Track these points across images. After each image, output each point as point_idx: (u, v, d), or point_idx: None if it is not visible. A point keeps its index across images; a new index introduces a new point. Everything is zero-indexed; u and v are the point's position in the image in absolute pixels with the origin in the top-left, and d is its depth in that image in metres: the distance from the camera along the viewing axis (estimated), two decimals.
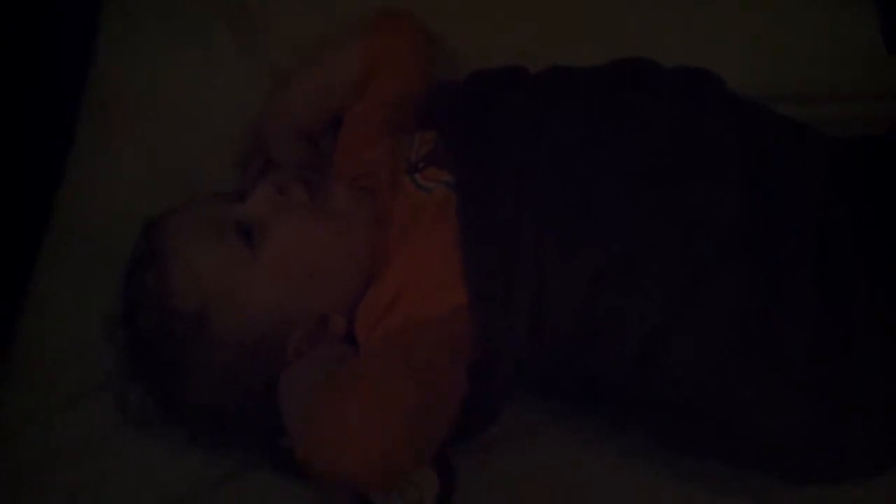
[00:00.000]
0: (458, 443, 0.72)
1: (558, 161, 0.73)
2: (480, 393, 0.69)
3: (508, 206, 0.71)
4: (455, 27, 0.91)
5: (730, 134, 0.74)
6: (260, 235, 0.73)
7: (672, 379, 0.69)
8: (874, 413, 0.70)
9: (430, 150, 0.77)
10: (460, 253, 0.70)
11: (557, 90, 0.78)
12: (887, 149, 0.78)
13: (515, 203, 0.71)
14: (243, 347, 0.73)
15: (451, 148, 0.76)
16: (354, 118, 0.84)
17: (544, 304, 0.69)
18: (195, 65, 0.93)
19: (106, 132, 0.92)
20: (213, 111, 0.92)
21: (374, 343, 0.72)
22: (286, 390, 0.72)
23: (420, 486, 0.70)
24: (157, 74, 0.93)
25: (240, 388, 0.73)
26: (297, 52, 0.91)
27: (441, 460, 0.72)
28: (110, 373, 0.81)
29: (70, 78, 0.94)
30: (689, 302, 0.69)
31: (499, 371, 0.71)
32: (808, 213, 0.71)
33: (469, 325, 0.69)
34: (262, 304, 0.73)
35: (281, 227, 0.74)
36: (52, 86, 0.97)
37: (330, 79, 0.85)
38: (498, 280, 0.69)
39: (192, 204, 0.78)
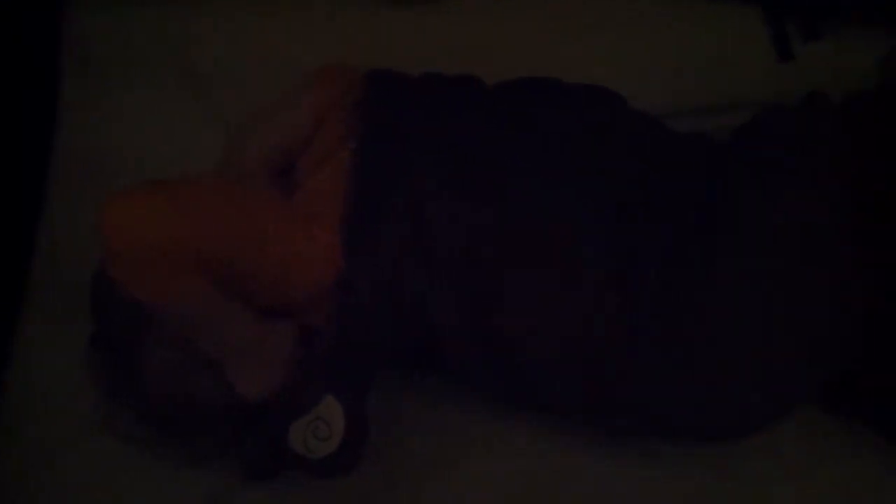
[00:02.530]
0: (342, 389, 0.81)
1: (457, 138, 0.84)
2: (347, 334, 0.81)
3: (395, 156, 0.83)
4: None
5: (618, 147, 0.85)
6: None
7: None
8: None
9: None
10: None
11: (468, 93, 0.89)
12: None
13: (400, 159, 0.83)
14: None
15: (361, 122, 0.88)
16: (307, 159, 0.92)
17: (414, 232, 0.80)
18: (152, 115, 1.01)
19: (76, 185, 0.99)
20: (171, 157, 0.99)
21: None
22: None
23: (329, 422, 0.80)
24: (119, 127, 1.01)
25: (192, 373, 0.81)
26: (243, 100, 0.99)
27: (352, 401, 0.81)
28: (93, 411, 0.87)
29: (37, 135, 1.02)
30: (554, 296, 0.79)
31: (361, 299, 0.80)
32: (671, 224, 0.82)
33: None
34: None
35: None
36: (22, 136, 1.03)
37: (281, 133, 0.93)
38: (372, 210, 0.81)
39: None
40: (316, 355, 0.82)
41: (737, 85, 1.00)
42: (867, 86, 0.95)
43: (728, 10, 1.01)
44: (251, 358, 0.81)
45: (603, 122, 0.87)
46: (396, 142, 0.84)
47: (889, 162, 0.83)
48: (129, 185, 0.76)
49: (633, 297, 0.80)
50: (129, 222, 0.73)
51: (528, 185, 0.82)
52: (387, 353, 0.86)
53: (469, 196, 0.81)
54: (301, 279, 0.81)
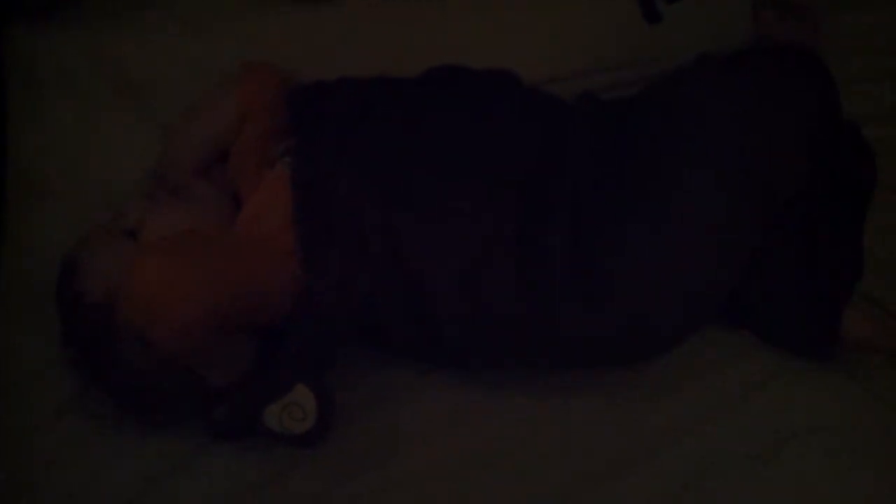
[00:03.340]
0: (309, 377, 0.91)
1: (378, 143, 0.94)
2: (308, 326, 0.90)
3: (330, 168, 0.92)
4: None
5: (517, 127, 0.95)
6: (139, 230, 0.93)
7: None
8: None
9: (287, 149, 0.98)
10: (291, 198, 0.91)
11: (382, 92, 0.99)
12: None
13: (337, 166, 0.92)
14: None
15: (295, 135, 0.97)
16: (236, 153, 1.02)
17: (359, 242, 0.90)
18: (90, 126, 1.09)
19: (32, 200, 1.08)
20: (115, 165, 1.08)
21: None
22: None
23: (302, 406, 0.90)
24: (65, 144, 1.09)
25: (162, 372, 0.89)
26: (176, 106, 1.07)
27: (319, 386, 0.91)
28: (68, 399, 0.97)
29: None
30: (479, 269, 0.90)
31: (317, 293, 0.90)
32: (569, 178, 0.92)
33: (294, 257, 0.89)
34: None
35: (152, 218, 0.94)
36: None
37: (210, 130, 1.02)
38: (320, 221, 0.90)
39: (91, 231, 0.97)
40: (284, 350, 0.92)
41: (611, 48, 1.12)
42: (726, 43, 1.06)
43: None
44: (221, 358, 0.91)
45: (502, 107, 0.97)
46: (327, 156, 0.94)
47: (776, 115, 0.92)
48: (155, 245, 0.86)
49: (544, 234, 0.89)
50: (157, 287, 0.81)
51: (438, 187, 0.92)
52: (342, 339, 0.96)
53: (392, 202, 0.91)
54: (276, 297, 0.91)
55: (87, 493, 0.93)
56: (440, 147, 0.94)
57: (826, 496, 0.91)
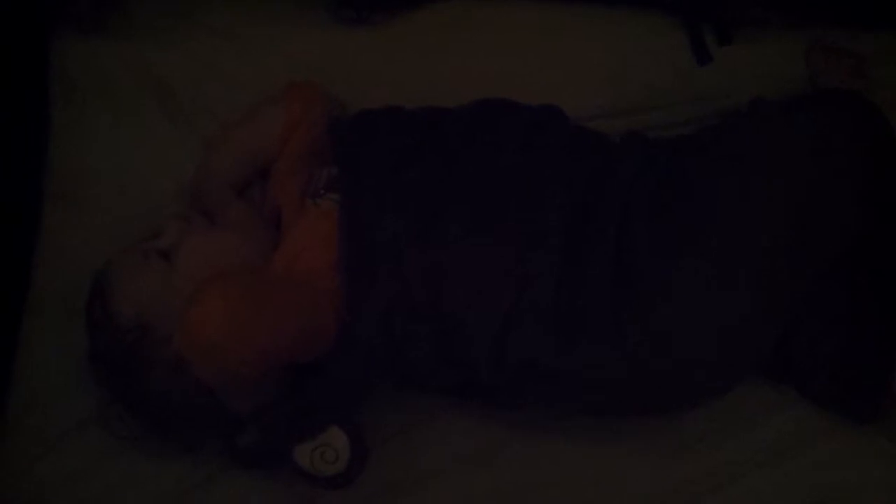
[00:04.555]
0: (346, 421, 0.90)
1: (421, 183, 0.92)
2: (344, 363, 0.88)
3: (375, 212, 0.90)
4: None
5: (563, 166, 0.93)
6: (174, 253, 0.92)
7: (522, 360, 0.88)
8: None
9: (330, 181, 0.96)
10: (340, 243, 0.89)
11: (426, 127, 0.97)
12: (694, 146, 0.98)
13: (382, 210, 0.90)
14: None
15: (341, 176, 0.95)
16: (278, 172, 1.01)
17: (401, 286, 0.88)
18: (132, 138, 1.09)
19: (68, 207, 1.06)
20: (152, 177, 1.07)
21: None
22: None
23: (335, 448, 0.88)
24: (105, 156, 1.08)
25: (187, 378, 0.87)
26: (217, 121, 1.08)
27: (353, 428, 0.90)
28: (91, 412, 0.97)
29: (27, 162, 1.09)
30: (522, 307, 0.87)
31: (359, 336, 0.88)
32: (613, 218, 0.90)
33: (340, 296, 0.88)
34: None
35: (188, 242, 0.93)
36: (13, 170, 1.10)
37: (253, 145, 1.01)
38: (364, 264, 0.88)
39: (124, 250, 0.95)
40: (319, 388, 0.91)
41: (661, 87, 1.10)
42: (781, 84, 1.05)
43: (644, 16, 1.11)
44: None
45: (548, 147, 0.95)
46: (372, 198, 0.92)
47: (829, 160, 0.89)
48: (216, 282, 0.82)
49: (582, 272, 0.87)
50: (218, 328, 0.79)
51: (480, 232, 0.89)
52: (377, 379, 0.94)
53: (433, 247, 0.89)
54: (321, 336, 0.89)
55: None
56: (483, 189, 0.92)
57: None
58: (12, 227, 1.07)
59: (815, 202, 0.88)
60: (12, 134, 1.08)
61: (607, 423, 0.98)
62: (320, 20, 1.12)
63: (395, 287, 0.88)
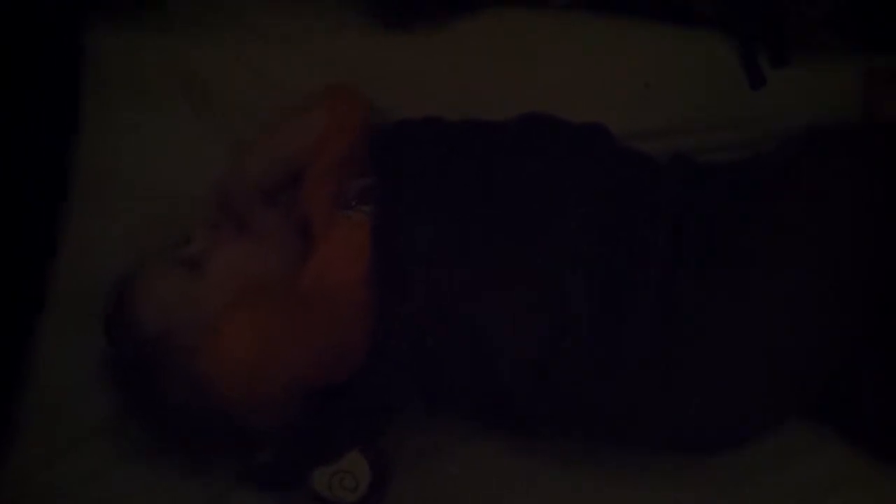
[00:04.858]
0: (369, 448, 0.87)
1: (458, 196, 0.89)
2: (375, 383, 0.85)
3: (410, 223, 0.87)
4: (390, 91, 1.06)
5: (608, 188, 0.89)
6: (202, 262, 0.89)
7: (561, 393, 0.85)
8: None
9: (363, 192, 0.94)
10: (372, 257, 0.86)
11: (467, 140, 0.94)
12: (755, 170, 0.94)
13: (417, 223, 0.87)
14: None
15: (377, 186, 0.93)
16: (311, 178, 0.97)
17: (434, 301, 0.85)
18: (167, 142, 1.07)
19: (93, 203, 1.05)
20: (181, 177, 1.05)
21: None
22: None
23: (356, 475, 0.86)
24: (134, 153, 1.06)
25: (208, 391, 0.84)
26: (252, 123, 1.05)
27: (375, 455, 0.87)
28: (107, 417, 0.95)
29: (55, 156, 1.07)
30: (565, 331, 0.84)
31: (388, 352, 0.85)
32: (658, 247, 0.86)
33: (371, 312, 0.85)
34: (212, 312, 0.84)
35: (217, 250, 0.90)
36: (41, 161, 1.08)
37: (288, 148, 0.98)
38: (397, 276, 0.85)
39: (148, 255, 0.93)
40: (343, 410, 0.88)
41: (711, 109, 1.06)
42: (835, 108, 1.02)
43: (694, 35, 1.07)
44: None
45: (591, 167, 0.92)
46: (409, 213, 0.89)
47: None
48: (247, 304, 0.81)
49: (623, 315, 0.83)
50: (249, 353, 0.78)
51: (519, 257, 0.86)
52: (405, 401, 0.91)
53: (470, 268, 0.86)
54: (351, 355, 0.86)
55: None
56: (523, 208, 0.89)
57: None
58: (33, 224, 1.05)
59: (876, 242, 0.85)
60: (40, 127, 1.07)
61: (640, 458, 0.94)
62: (362, 23, 1.09)
63: (429, 302, 0.85)
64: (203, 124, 1.07)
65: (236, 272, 0.89)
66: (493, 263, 0.86)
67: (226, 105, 1.07)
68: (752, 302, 0.84)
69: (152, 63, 1.09)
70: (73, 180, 1.05)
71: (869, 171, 0.87)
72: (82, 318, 0.97)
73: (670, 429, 0.85)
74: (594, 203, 0.89)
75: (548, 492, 0.94)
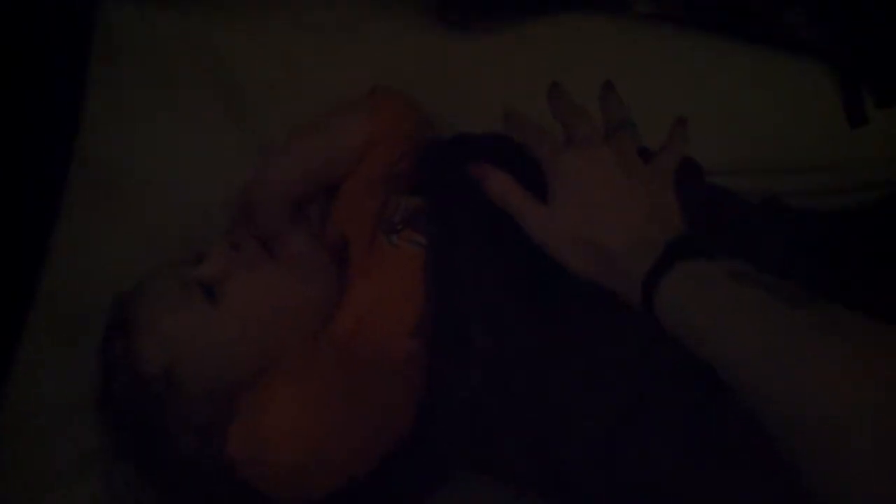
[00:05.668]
0: None
1: (520, 244, 0.74)
2: (426, 446, 0.73)
3: (469, 265, 0.75)
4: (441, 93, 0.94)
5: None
6: (219, 290, 0.75)
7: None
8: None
9: (410, 214, 0.80)
10: (425, 302, 0.74)
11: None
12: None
13: (477, 263, 0.75)
14: (213, 395, 0.73)
15: (430, 216, 0.79)
16: (350, 192, 0.86)
17: (496, 361, 0.72)
18: (184, 134, 0.94)
19: (93, 204, 0.92)
20: (199, 179, 0.93)
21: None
22: None
23: None
24: (144, 144, 0.94)
25: (215, 439, 0.72)
26: (284, 123, 0.92)
27: None
28: (94, 451, 0.81)
29: (56, 150, 0.94)
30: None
31: (441, 417, 0.73)
32: None
33: (420, 368, 0.73)
34: (227, 353, 0.74)
35: (236, 279, 0.76)
36: (38, 157, 0.95)
37: (327, 154, 0.86)
38: (455, 329, 0.73)
39: (156, 272, 0.79)
40: (385, 483, 0.74)
41: (807, 149, 0.95)
42: None
43: (789, 62, 0.96)
44: None
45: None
46: (466, 241, 0.76)
47: None
48: (290, 380, 0.69)
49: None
50: (290, 448, 0.65)
51: (590, 322, 0.74)
52: (451, 473, 0.79)
53: (536, 310, 0.73)
54: (397, 426, 0.74)
55: None
56: None
57: None
58: (25, 222, 0.92)
59: None
60: (41, 109, 0.94)
61: None
62: (417, 21, 0.97)
63: (491, 365, 0.72)
64: (228, 120, 0.95)
65: (259, 306, 0.76)
66: (574, 319, 0.73)
67: (257, 100, 0.95)
68: None
69: (173, 45, 0.96)
70: (71, 174, 0.93)
71: None
72: (71, 338, 0.85)
73: None
74: None
75: None
